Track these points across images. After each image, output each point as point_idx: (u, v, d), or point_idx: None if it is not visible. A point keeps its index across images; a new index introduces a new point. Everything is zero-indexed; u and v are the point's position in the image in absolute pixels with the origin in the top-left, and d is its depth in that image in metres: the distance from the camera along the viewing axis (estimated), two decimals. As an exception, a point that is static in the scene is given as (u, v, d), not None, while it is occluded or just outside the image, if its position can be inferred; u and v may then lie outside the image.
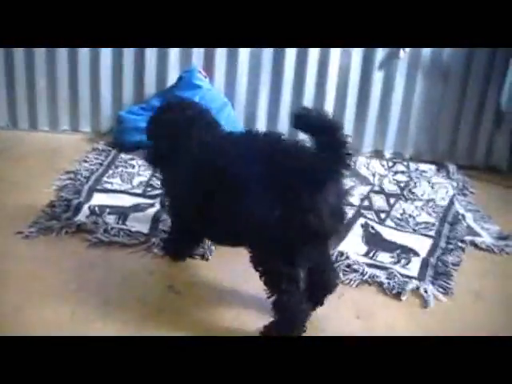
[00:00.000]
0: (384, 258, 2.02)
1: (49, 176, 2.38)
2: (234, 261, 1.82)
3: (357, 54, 2.88)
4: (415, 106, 2.97)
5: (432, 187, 2.58)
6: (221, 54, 2.88)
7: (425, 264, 1.98)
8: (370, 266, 1.96)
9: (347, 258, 1.97)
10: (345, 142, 1.46)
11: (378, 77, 2.90)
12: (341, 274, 1.87)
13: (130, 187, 2.33)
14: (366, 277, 1.90)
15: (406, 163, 2.89)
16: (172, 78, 2.88)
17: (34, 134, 2.93)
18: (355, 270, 1.92)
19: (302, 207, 1.47)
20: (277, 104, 2.96)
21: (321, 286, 1.66)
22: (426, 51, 2.89)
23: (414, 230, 2.23)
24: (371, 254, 2.04)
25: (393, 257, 2.02)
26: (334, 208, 1.53)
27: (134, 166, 2.52)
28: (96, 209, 2.10)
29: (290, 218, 1.47)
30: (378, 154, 3.01)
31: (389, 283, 1.86)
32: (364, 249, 2.08)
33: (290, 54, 2.88)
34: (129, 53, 2.87)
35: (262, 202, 1.49)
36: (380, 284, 1.87)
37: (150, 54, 2.87)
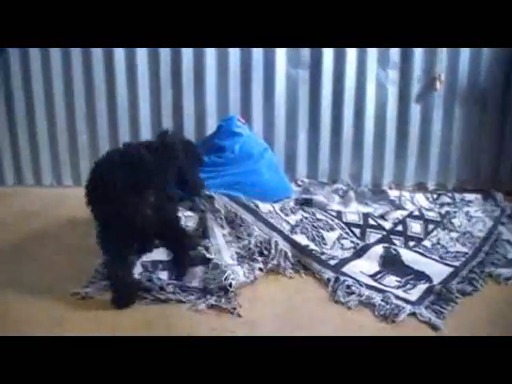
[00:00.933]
0: (390, 281, 1.98)
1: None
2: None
3: (393, 87, 2.89)
4: (455, 135, 2.97)
5: (469, 220, 2.51)
6: (257, 98, 2.92)
7: (429, 290, 1.90)
8: (370, 287, 1.91)
9: (351, 278, 1.96)
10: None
11: (415, 110, 2.90)
12: (341, 295, 1.87)
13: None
14: (362, 298, 1.86)
15: (450, 194, 2.85)
16: (211, 126, 2.92)
17: (77, 190, 2.99)
18: (353, 292, 1.88)
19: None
20: (316, 145, 2.98)
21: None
22: (462, 80, 2.89)
23: (441, 258, 2.16)
24: (378, 276, 2.00)
25: (399, 281, 1.97)
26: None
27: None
28: (148, 265, 2.10)
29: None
30: (420, 186, 2.99)
31: (382, 306, 1.81)
32: (375, 269, 2.05)
33: (326, 93, 2.91)
34: (167, 104, 2.94)
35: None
36: (373, 306, 1.82)
37: (188, 103, 2.93)
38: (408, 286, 1.94)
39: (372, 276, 2.01)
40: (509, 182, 2.98)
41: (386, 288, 1.91)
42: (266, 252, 2.10)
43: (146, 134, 2.94)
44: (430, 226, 2.36)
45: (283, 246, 2.13)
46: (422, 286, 1.93)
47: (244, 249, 2.12)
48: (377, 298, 1.84)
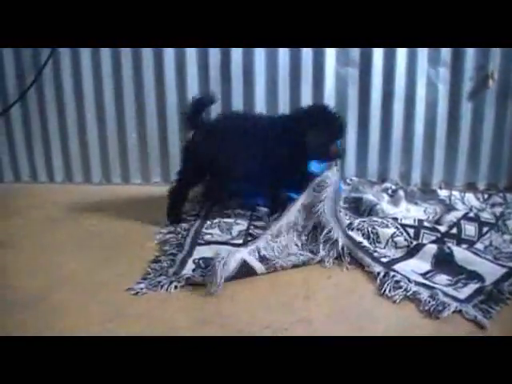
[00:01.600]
0: (441, 279, 1.95)
1: (149, 230, 2.44)
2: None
3: (444, 85, 2.86)
4: (507, 135, 2.91)
5: None
6: (306, 98, 2.91)
7: (479, 290, 1.86)
8: (419, 284, 1.90)
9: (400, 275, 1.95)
10: None
11: (466, 108, 2.86)
12: (389, 290, 1.87)
13: (230, 237, 2.33)
14: (409, 293, 1.85)
15: (501, 194, 2.79)
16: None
17: (126, 188, 3.04)
18: (400, 287, 1.87)
19: None
20: (365, 144, 2.97)
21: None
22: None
23: (496, 259, 2.11)
24: (429, 275, 1.98)
25: (450, 280, 1.94)
26: None
27: (229, 215, 2.55)
28: (201, 262, 2.11)
29: None
30: (471, 186, 2.95)
31: (428, 301, 1.79)
32: (426, 268, 2.03)
33: (376, 92, 2.90)
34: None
35: None
36: (419, 301, 1.81)
37: (237, 102, 2.94)
38: (459, 285, 1.91)
39: (423, 274, 1.99)
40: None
41: (435, 285, 1.89)
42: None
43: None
44: (485, 229, 2.31)
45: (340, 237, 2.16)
46: (474, 286, 1.90)
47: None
48: (424, 294, 1.83)
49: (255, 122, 2.46)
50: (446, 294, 1.83)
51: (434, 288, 1.86)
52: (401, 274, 1.96)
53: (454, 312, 1.75)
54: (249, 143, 2.36)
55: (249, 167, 2.37)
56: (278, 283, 1.99)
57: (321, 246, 2.15)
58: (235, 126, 2.43)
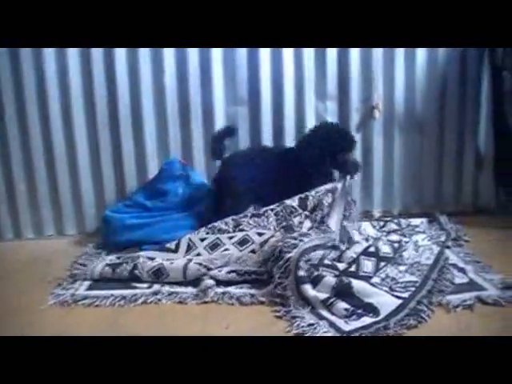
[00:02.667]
0: (340, 307, 1.97)
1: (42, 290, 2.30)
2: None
3: (332, 118, 2.90)
4: (396, 161, 3.00)
5: (416, 250, 2.51)
6: (197, 140, 2.90)
7: (368, 326, 1.89)
8: (316, 314, 1.95)
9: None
10: None
11: (356, 139, 2.91)
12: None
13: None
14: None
15: (396, 220, 2.87)
16: (152, 170, 2.87)
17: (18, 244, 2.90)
18: (296, 316, 1.94)
19: None
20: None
21: None
22: (399, 107, 2.94)
23: (392, 290, 2.14)
24: (329, 302, 2.00)
25: (347, 310, 1.96)
26: None
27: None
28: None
29: None
30: (366, 214, 3.01)
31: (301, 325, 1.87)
32: (325, 296, 2.04)
33: (267, 129, 2.91)
34: (105, 146, 2.88)
35: None
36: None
37: (127, 146, 2.88)
38: (353, 317, 1.93)
39: (323, 301, 2.01)
40: (451, 204, 3.04)
41: (327, 316, 1.95)
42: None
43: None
44: (382, 263, 2.33)
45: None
46: (368, 319, 1.92)
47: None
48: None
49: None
50: (331, 325, 1.88)
51: (323, 318, 1.92)
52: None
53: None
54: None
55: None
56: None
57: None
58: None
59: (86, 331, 1.90)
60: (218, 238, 2.43)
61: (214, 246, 2.40)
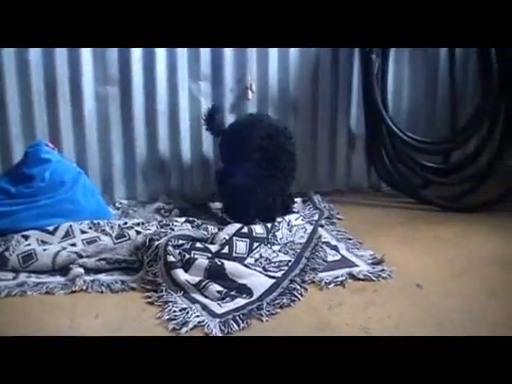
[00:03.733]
0: (213, 290, 1.97)
1: None
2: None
3: (206, 99, 2.88)
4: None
5: (290, 230, 2.52)
6: (66, 122, 2.77)
7: (241, 307, 1.90)
8: (189, 298, 1.94)
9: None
10: None
11: (230, 120, 2.89)
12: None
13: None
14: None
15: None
16: (17, 153, 2.70)
17: None
18: (168, 301, 1.91)
19: None
20: (133, 164, 2.89)
21: None
22: (273, 87, 2.95)
23: (265, 270, 2.17)
24: (202, 285, 2.00)
25: (220, 292, 1.97)
26: None
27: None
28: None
29: None
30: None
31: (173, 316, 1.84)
32: (197, 279, 2.03)
33: (139, 110, 2.84)
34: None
35: None
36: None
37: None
38: (227, 299, 1.93)
39: (195, 285, 1.99)
40: (326, 183, 3.12)
41: (200, 299, 1.94)
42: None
43: None
44: (255, 244, 2.35)
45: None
46: (241, 301, 1.93)
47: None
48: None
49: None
50: (204, 308, 1.87)
51: (196, 302, 1.90)
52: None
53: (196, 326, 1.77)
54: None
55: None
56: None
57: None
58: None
59: None
60: (98, 237, 2.33)
61: (91, 242, 2.30)
